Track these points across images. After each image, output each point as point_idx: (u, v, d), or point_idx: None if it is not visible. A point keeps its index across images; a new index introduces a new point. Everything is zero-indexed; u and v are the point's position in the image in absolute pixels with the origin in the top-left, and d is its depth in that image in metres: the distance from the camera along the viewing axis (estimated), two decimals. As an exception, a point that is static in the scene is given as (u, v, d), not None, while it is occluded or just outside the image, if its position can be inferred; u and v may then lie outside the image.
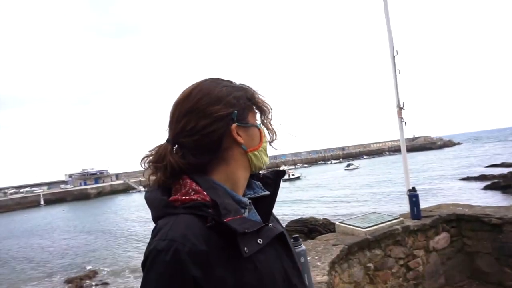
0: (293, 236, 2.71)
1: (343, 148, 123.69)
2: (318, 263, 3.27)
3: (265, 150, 0.94)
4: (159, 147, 0.87)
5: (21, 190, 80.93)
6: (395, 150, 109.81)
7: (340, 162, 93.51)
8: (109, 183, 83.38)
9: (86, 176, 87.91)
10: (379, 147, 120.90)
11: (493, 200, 20.75)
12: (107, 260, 19.24)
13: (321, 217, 18.50)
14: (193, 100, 0.85)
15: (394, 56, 5.09)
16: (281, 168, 1.09)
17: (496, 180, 26.11)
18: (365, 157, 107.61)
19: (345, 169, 66.26)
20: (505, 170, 29.74)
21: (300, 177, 57.66)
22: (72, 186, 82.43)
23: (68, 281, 15.91)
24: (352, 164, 69.65)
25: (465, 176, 32.95)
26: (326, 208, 26.46)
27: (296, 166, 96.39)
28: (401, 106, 5.08)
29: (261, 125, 0.94)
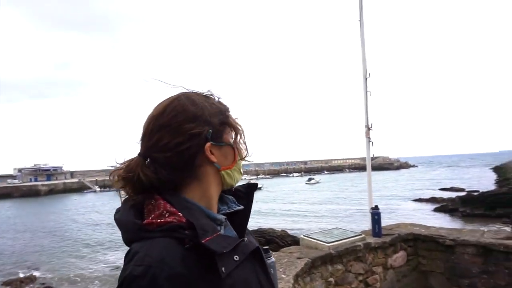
0: (264, 247, 2.72)
1: (305, 162, 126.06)
2: (283, 276, 3.28)
3: (239, 169, 0.95)
4: (130, 161, 0.84)
5: (-37, 182, 74.96)
6: (355, 167, 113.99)
7: (301, 176, 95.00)
8: (62, 181, 78.90)
9: (38, 172, 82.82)
10: (340, 163, 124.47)
11: (441, 222, 21.93)
12: (49, 264, 18.11)
13: (279, 229, 18.72)
14: (167, 116, 0.83)
15: (366, 78, 5.30)
16: (252, 181, 1.10)
17: (445, 203, 27.77)
18: (326, 172, 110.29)
19: (306, 183, 67.44)
20: (453, 194, 31.76)
21: (261, 188, 57.89)
22: (20, 182, 77.35)
23: (7, 283, 14.80)
24: (313, 179, 71.05)
25: (417, 197, 34.68)
26: (285, 221, 26.68)
27: (258, 176, 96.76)
28: (370, 126, 5.28)
29: (234, 144, 0.93)
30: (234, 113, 0.94)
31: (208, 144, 0.84)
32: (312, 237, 4.33)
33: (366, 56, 5.38)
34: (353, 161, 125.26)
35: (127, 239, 0.78)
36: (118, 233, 0.95)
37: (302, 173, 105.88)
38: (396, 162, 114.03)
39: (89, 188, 73.96)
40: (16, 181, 78.68)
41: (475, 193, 27.94)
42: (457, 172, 78.75)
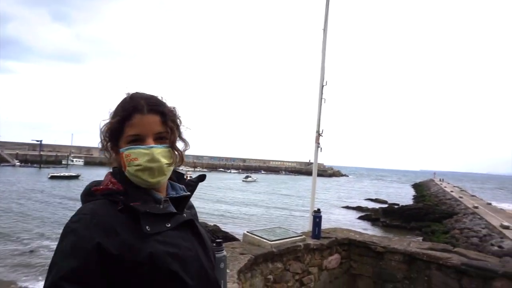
0: (217, 240, 2.67)
1: (244, 160, 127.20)
2: (228, 271, 3.26)
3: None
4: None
5: None
6: (291, 170, 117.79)
7: (239, 173, 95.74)
8: (-26, 150, 70.79)
9: None
10: (277, 165, 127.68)
11: (363, 229, 23.56)
12: None
13: (211, 223, 18.74)
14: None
15: (323, 86, 5.48)
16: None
17: (369, 213, 29.94)
18: (263, 172, 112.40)
19: (243, 180, 68.21)
20: (377, 205, 34.36)
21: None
22: None
23: None
24: (250, 177, 72.10)
25: (345, 205, 36.87)
26: (218, 216, 26.71)
27: (196, 169, 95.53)
28: (320, 132, 5.47)
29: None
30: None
31: None
32: (256, 234, 4.37)
33: (326, 64, 5.56)
34: (289, 164, 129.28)
35: (82, 202, 0.98)
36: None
37: (240, 170, 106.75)
38: (330, 170, 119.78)
39: (7, 161, 67.24)
40: None
41: (396, 206, 30.53)
42: (382, 185, 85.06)
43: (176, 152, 1.06)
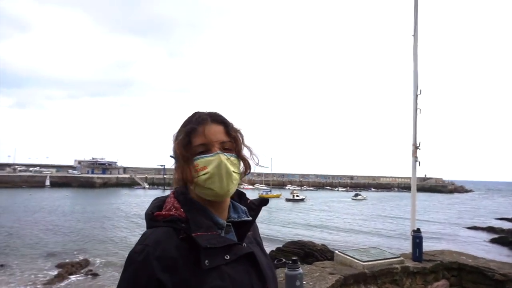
0: (292, 258, 2.72)
1: (351, 177, 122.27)
2: (312, 290, 3.24)
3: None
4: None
5: (30, 168, 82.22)
6: (404, 187, 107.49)
7: (347, 191, 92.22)
8: (115, 175, 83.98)
9: (95, 165, 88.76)
10: (389, 181, 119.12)
11: (498, 254, 20.15)
12: (101, 251, 19.26)
13: (319, 243, 18.28)
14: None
15: (417, 95, 5.11)
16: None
17: (504, 235, 25.44)
18: (373, 189, 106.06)
19: (352, 198, 65.34)
20: (515, 226, 29.02)
21: (305, 200, 57.11)
22: (79, 173, 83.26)
23: (60, 266, 15.96)
24: (360, 195, 68.65)
25: (472, 225, 32.19)
26: (327, 234, 26.08)
27: (303, 187, 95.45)
28: (418, 145, 5.07)
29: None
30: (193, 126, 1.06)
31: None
32: (347, 254, 4.23)
33: (419, 72, 5.19)
34: (402, 180, 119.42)
35: (146, 227, 0.99)
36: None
37: (348, 188, 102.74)
38: (450, 185, 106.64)
39: (139, 184, 77.84)
40: (75, 172, 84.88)
41: (541, 228, 25.39)
42: (520, 202, 71.95)
43: (242, 162, 1.06)
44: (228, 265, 0.92)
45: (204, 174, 0.97)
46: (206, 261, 0.88)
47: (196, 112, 1.07)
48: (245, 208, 1.09)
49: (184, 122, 1.06)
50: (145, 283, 0.85)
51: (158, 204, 1.03)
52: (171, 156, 1.07)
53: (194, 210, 0.97)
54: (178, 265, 0.87)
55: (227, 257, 0.93)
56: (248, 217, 1.06)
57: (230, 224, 1.02)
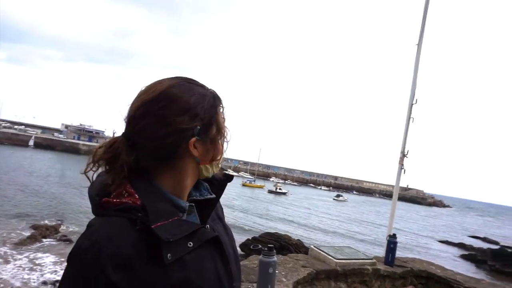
0: (268, 245, 2.74)
1: (336, 178, 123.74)
2: (283, 279, 3.29)
3: (218, 164, 0.93)
4: (115, 141, 0.84)
5: (15, 126, 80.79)
6: (386, 194, 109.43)
7: (329, 190, 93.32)
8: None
9: (82, 132, 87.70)
10: (371, 187, 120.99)
11: (466, 270, 20.72)
12: (76, 218, 19.08)
13: (295, 238, 18.55)
14: (159, 104, 0.81)
15: (412, 104, 5.15)
16: (231, 173, 1.06)
17: (474, 252, 26.18)
18: (355, 192, 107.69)
19: (334, 199, 66.22)
20: (485, 245, 29.85)
21: (287, 194, 57.55)
22: (65, 137, 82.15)
23: (34, 227, 15.82)
24: (341, 196, 69.61)
25: (444, 239, 33.03)
26: (303, 230, 26.40)
27: (286, 181, 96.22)
28: (405, 153, 5.12)
29: (217, 141, 0.90)
30: (226, 106, 0.92)
31: (193, 139, 0.83)
32: (322, 249, 4.29)
33: (417, 81, 5.22)
34: (385, 187, 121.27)
35: (92, 212, 0.82)
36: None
37: (331, 188, 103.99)
38: (430, 198, 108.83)
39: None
40: (61, 136, 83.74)
41: (510, 250, 26.14)
42: (492, 223, 73.99)
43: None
44: (191, 253, 0.80)
45: (219, 157, 0.91)
46: (169, 254, 0.75)
47: (212, 90, 0.91)
48: (207, 184, 0.95)
49: (211, 100, 0.87)
50: (94, 286, 0.70)
51: (106, 183, 0.82)
52: (197, 126, 0.83)
53: (152, 195, 0.81)
54: (135, 262, 0.73)
55: (190, 244, 0.80)
56: (212, 194, 0.94)
57: (193, 204, 0.89)
